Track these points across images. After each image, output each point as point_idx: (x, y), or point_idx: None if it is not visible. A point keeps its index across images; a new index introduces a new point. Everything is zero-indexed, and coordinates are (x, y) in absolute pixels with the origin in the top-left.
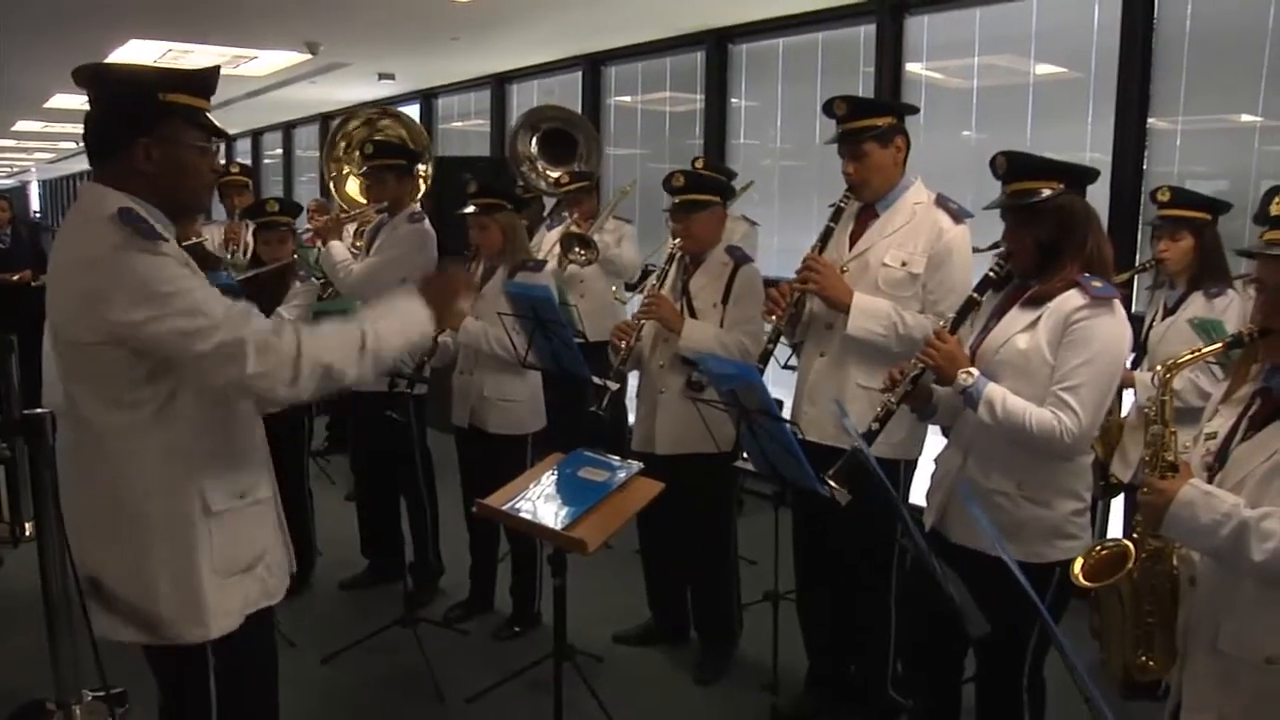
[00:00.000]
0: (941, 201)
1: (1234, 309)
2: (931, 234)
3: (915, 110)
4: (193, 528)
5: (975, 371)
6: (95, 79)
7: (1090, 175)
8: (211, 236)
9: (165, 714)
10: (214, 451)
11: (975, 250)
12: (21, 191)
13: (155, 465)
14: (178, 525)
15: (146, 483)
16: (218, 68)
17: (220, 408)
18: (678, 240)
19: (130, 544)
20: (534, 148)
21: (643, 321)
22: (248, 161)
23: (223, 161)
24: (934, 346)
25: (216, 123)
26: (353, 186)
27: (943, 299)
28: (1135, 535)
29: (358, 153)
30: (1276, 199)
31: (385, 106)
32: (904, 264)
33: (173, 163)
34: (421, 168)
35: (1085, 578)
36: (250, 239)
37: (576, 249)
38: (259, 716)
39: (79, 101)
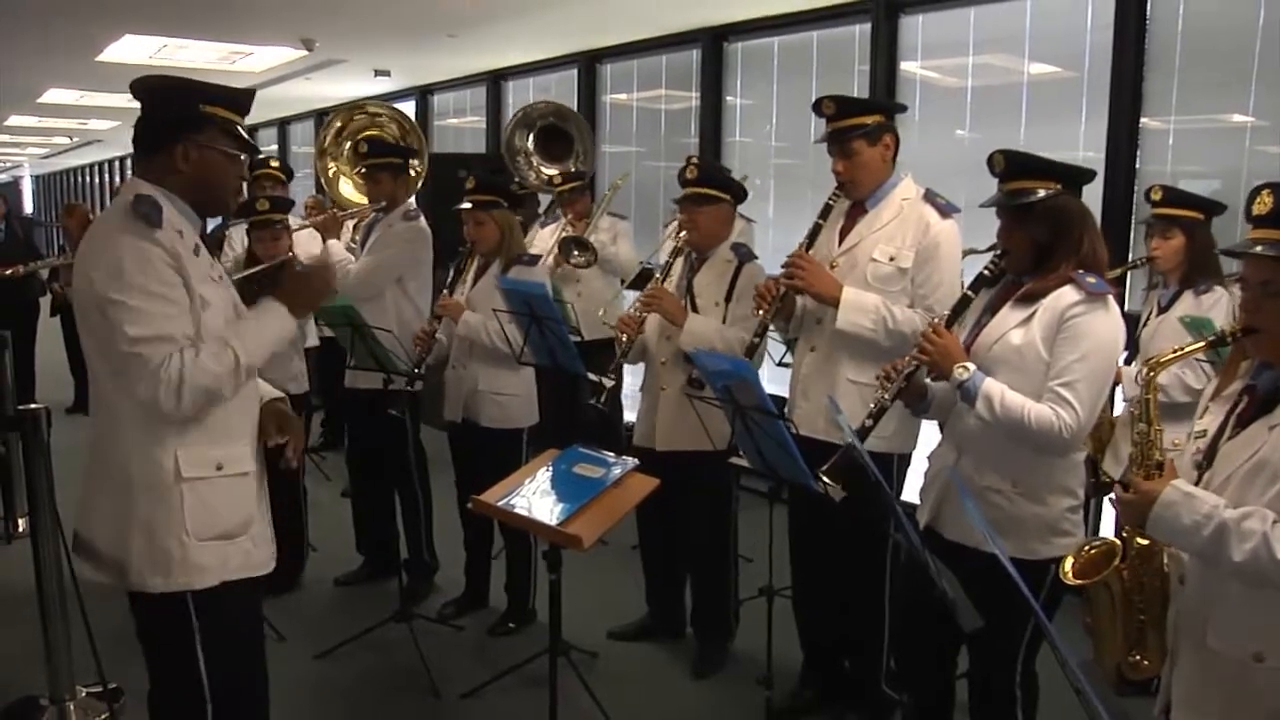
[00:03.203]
0: (929, 197)
1: (1221, 307)
2: (919, 228)
3: (904, 108)
4: (167, 489)
5: (971, 366)
6: (147, 86)
7: (1087, 176)
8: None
9: (154, 691)
10: (188, 422)
11: (975, 252)
12: (14, 187)
13: (135, 427)
14: (153, 485)
15: (128, 442)
16: (253, 91)
17: None
18: (683, 233)
19: (112, 496)
20: (530, 144)
21: (643, 315)
22: None
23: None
24: (930, 340)
25: (247, 137)
26: (347, 188)
27: (931, 293)
28: (1124, 534)
29: (348, 147)
30: (1258, 198)
31: (364, 103)
32: (892, 259)
33: (205, 165)
34: (415, 162)
35: (1075, 575)
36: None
37: (575, 252)
38: (245, 689)
39: (73, 97)
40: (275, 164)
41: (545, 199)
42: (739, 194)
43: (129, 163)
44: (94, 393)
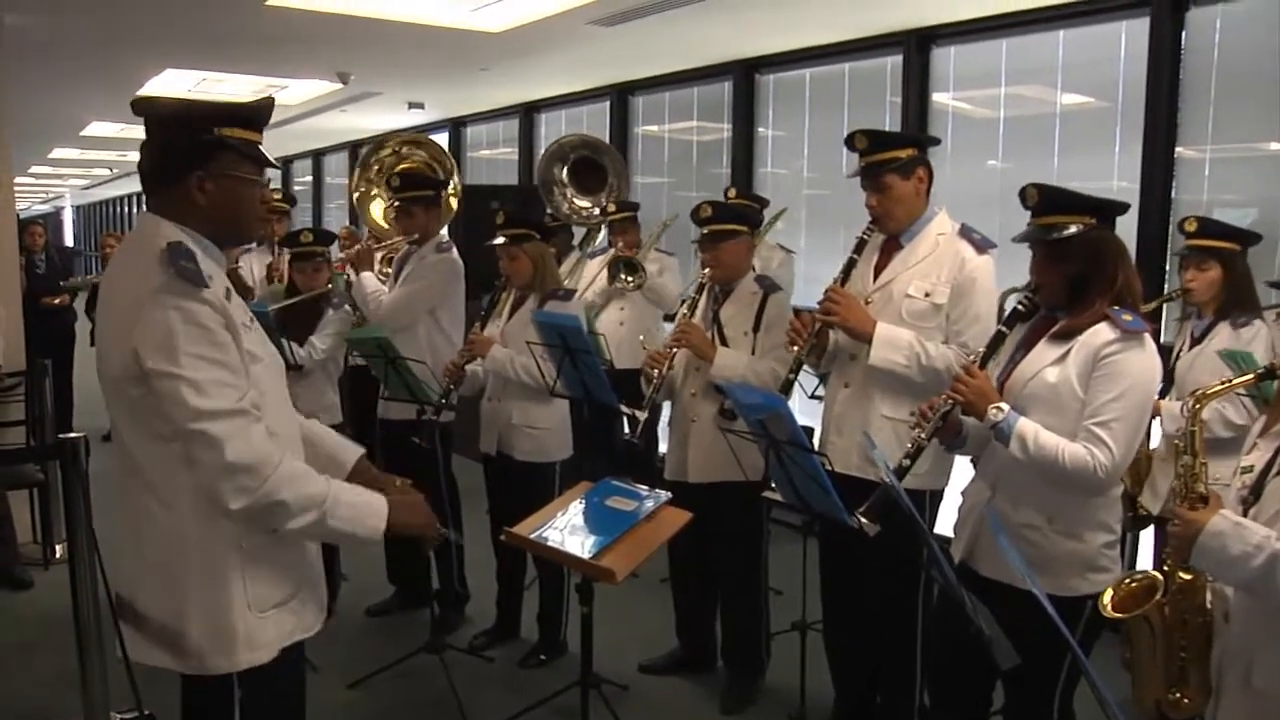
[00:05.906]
0: (965, 232)
1: (1260, 340)
2: (955, 264)
3: (937, 141)
4: (227, 563)
5: (1005, 407)
6: (150, 112)
7: (1120, 209)
8: (249, 266)
9: None
10: None
11: (1011, 291)
12: (55, 218)
13: (191, 499)
14: (212, 559)
15: (183, 516)
16: (271, 100)
17: None
18: (707, 270)
19: (166, 572)
20: (565, 176)
21: (674, 350)
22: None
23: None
24: (963, 382)
25: (268, 155)
26: (377, 209)
27: (966, 329)
28: (1165, 568)
29: (385, 182)
30: None
31: (417, 135)
32: (927, 294)
33: (225, 196)
34: (451, 186)
35: (1114, 609)
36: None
37: (623, 275)
38: None
39: (115, 129)
40: (278, 195)
41: (579, 231)
42: (755, 222)
43: None
44: (125, 466)
